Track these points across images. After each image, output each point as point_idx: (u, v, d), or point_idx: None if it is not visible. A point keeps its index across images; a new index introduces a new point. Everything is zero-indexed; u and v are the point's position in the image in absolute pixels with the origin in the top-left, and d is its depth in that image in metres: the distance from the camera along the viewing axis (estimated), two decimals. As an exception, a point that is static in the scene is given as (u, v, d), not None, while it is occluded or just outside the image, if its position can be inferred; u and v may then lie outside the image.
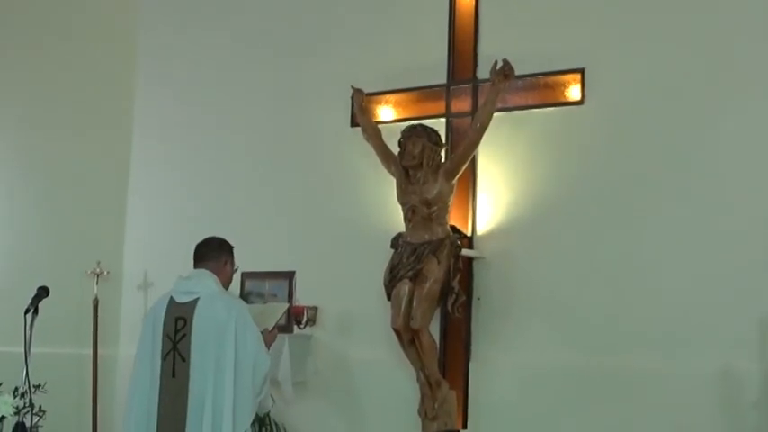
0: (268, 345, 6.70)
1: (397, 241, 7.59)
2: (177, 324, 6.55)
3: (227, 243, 6.84)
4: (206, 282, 6.61)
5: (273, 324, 6.96)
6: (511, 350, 7.52)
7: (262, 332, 6.63)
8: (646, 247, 7.17)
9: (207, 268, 6.69)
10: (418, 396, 7.52)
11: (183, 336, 6.51)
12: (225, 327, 6.46)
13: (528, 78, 7.57)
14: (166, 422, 6.49)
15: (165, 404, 6.52)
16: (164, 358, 6.56)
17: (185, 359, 6.49)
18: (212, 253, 6.75)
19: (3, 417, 5.54)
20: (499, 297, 7.60)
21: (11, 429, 5.68)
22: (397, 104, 8.16)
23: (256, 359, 6.52)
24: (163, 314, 6.63)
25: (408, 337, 7.42)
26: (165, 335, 6.57)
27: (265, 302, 8.24)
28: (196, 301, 6.54)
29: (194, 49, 9.38)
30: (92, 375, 9.07)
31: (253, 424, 7.70)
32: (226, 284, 6.78)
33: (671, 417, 6.94)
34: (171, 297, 6.66)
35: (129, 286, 9.42)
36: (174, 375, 6.51)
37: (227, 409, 6.38)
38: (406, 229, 7.53)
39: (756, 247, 6.82)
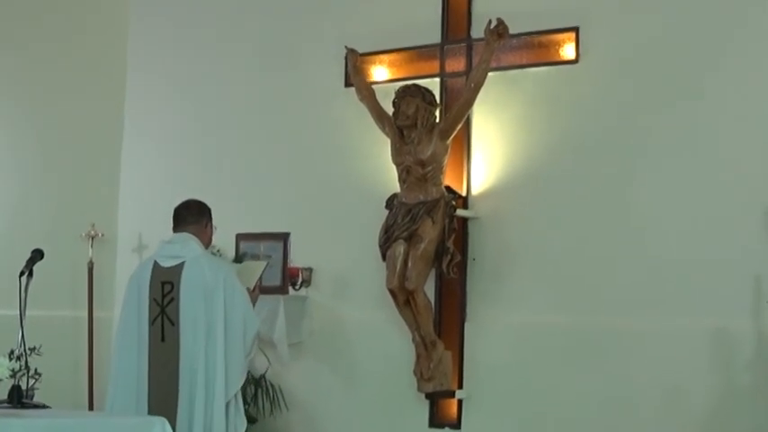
0: (252, 304, 6.71)
1: (391, 202, 7.58)
2: (164, 288, 6.55)
3: (206, 205, 6.85)
4: (190, 245, 6.62)
5: (255, 283, 6.95)
6: (506, 310, 7.52)
7: None
8: (641, 207, 7.15)
9: (188, 231, 6.70)
10: (414, 357, 7.53)
11: (172, 300, 6.52)
12: (213, 289, 6.47)
13: (522, 37, 7.53)
14: (158, 385, 6.50)
15: (156, 368, 6.52)
16: (152, 323, 6.56)
17: (174, 323, 6.49)
18: (192, 217, 6.76)
19: (-1, 379, 5.53)
20: (494, 257, 7.59)
21: (6, 392, 5.67)
22: (390, 64, 8.12)
23: (246, 320, 6.54)
24: (148, 279, 6.62)
25: (403, 297, 7.43)
26: (152, 299, 6.57)
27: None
28: (182, 264, 6.54)
29: (187, 8, 9.31)
30: (87, 338, 9.06)
31: (249, 385, 7.79)
32: (206, 246, 6.80)
33: (665, 375, 6.95)
34: (155, 261, 6.66)
35: (124, 249, 9.39)
36: (163, 340, 6.52)
37: (219, 371, 6.40)
38: (401, 189, 7.52)
39: (751, 205, 6.80)
